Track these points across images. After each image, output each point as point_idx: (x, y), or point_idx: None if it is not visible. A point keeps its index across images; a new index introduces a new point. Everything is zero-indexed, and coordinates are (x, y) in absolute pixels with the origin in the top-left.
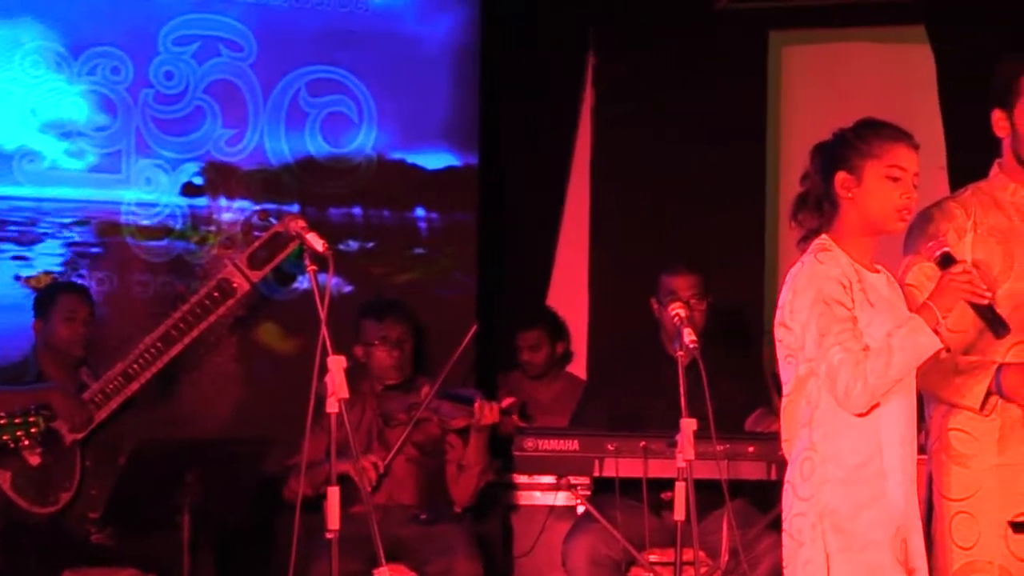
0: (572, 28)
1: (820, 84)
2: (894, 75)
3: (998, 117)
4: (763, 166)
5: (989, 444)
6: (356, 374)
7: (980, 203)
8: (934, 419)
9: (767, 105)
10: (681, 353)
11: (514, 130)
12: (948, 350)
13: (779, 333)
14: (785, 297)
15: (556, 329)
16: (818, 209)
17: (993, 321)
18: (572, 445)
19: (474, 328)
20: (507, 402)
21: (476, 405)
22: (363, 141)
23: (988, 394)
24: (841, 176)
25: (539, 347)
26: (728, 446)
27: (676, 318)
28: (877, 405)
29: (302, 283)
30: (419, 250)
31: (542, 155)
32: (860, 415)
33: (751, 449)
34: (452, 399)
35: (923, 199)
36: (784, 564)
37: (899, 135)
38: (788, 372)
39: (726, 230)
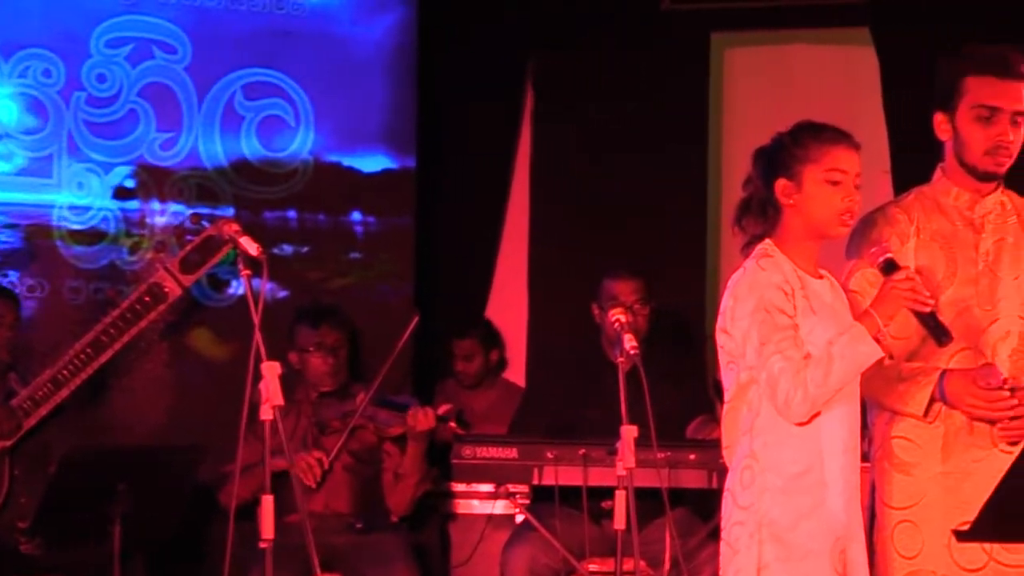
0: (512, 28)
1: (763, 86)
2: (838, 77)
3: (940, 120)
4: (705, 169)
5: (933, 452)
6: (291, 381)
7: (923, 208)
8: (877, 427)
9: (709, 107)
10: (622, 359)
11: (453, 132)
12: (890, 357)
13: (720, 339)
14: (726, 303)
15: (490, 337)
16: (761, 215)
17: (936, 329)
18: (511, 453)
19: (416, 319)
20: (443, 409)
21: (412, 412)
22: (299, 144)
23: (931, 401)
24: (781, 183)
25: (473, 356)
26: (669, 454)
27: (617, 323)
28: (818, 414)
29: (236, 289)
30: (355, 254)
31: (482, 158)
32: (801, 424)
33: (692, 457)
34: (388, 406)
35: (867, 203)
36: (720, 573)
37: (838, 137)
38: (729, 379)
39: (668, 234)
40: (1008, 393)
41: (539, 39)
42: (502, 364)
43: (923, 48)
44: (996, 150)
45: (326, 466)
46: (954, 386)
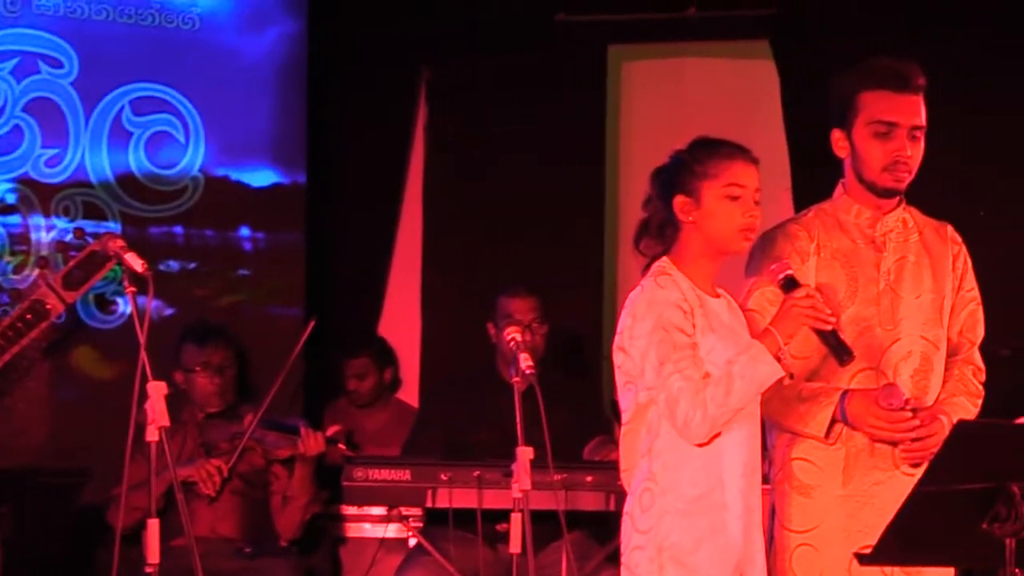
0: (405, 40)
1: (662, 100)
2: (738, 91)
3: (837, 137)
4: (602, 185)
5: (833, 474)
6: (177, 401)
7: (823, 225)
8: (777, 448)
9: (607, 121)
10: (517, 379)
11: (345, 146)
12: (791, 376)
13: (618, 359)
14: (624, 322)
15: (384, 355)
16: (660, 235)
17: (837, 348)
18: (403, 475)
19: (312, 324)
20: (332, 430)
21: (301, 434)
22: (187, 158)
23: (833, 422)
24: (680, 199)
25: (366, 375)
26: (566, 475)
27: (513, 342)
28: (719, 434)
29: (125, 310)
30: (244, 271)
31: (374, 172)
32: (701, 445)
33: (590, 479)
34: (276, 428)
35: (768, 220)
36: None
37: (735, 152)
38: (627, 399)
39: (565, 251)
40: (910, 414)
41: (432, 51)
42: (396, 383)
43: (824, 62)
44: (895, 166)
45: (225, 473)
46: (856, 407)
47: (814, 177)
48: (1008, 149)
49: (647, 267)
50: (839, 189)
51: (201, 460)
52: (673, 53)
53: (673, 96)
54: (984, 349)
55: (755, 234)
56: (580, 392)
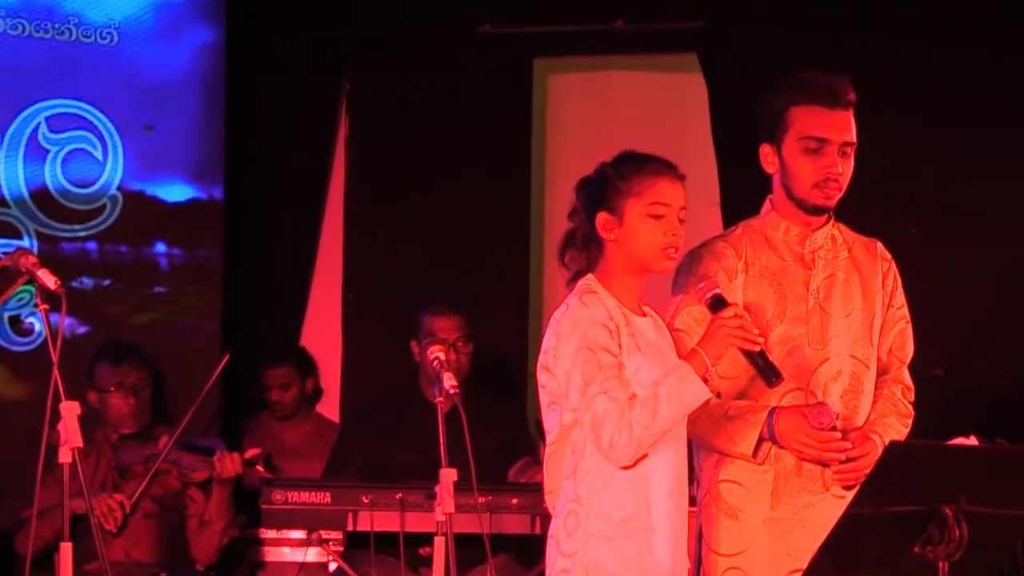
0: (326, 51)
1: (589, 114)
2: (666, 105)
3: (766, 152)
4: (528, 200)
5: (761, 496)
6: (91, 422)
7: (751, 242)
8: (704, 470)
9: (532, 135)
10: (441, 399)
11: (263, 159)
12: (718, 397)
13: (542, 378)
14: (549, 341)
15: (305, 364)
16: (585, 249)
17: (765, 369)
18: (324, 497)
19: (226, 357)
20: (250, 453)
21: (217, 457)
22: (105, 176)
23: (760, 440)
24: (602, 217)
25: (289, 384)
26: (490, 498)
27: (436, 361)
28: (645, 456)
29: (39, 331)
30: (160, 288)
31: (294, 186)
32: (626, 467)
33: (514, 501)
34: (193, 450)
35: (696, 237)
36: None
37: (660, 168)
38: (551, 420)
39: (490, 268)
40: (840, 434)
41: (354, 63)
42: (318, 393)
43: (754, 75)
44: (825, 183)
45: (127, 510)
46: (784, 425)
47: (743, 192)
48: (939, 163)
49: (572, 280)
50: (767, 205)
51: (104, 494)
52: (600, 66)
53: (600, 110)
54: (917, 369)
55: (679, 253)
56: (505, 412)
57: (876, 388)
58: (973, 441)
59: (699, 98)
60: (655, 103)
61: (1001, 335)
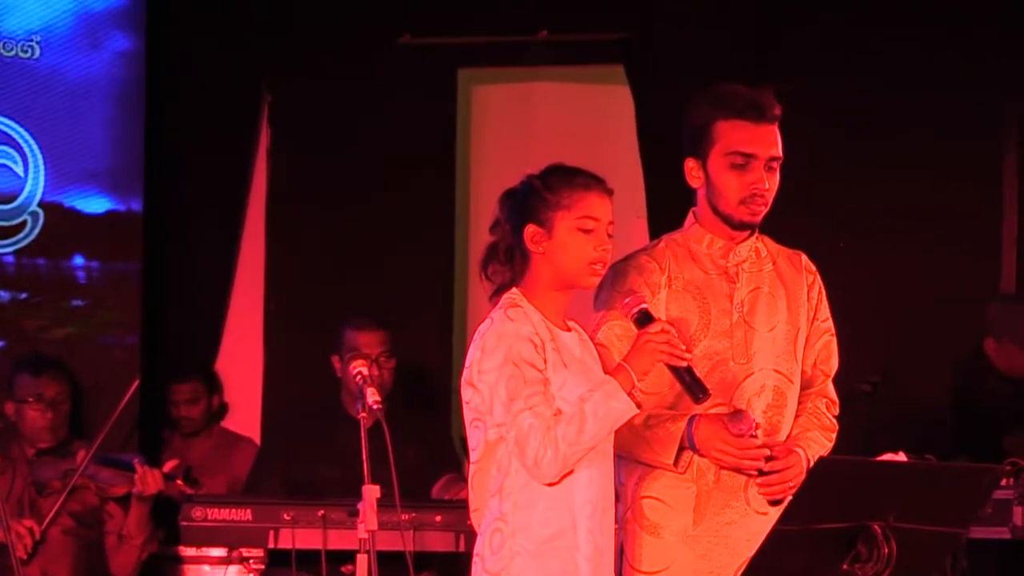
0: (247, 61)
1: (514, 126)
2: (592, 117)
3: (691, 167)
4: (452, 213)
5: (684, 513)
6: (7, 436)
7: (675, 256)
8: (627, 486)
9: (456, 148)
10: (364, 414)
11: (183, 172)
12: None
13: (466, 394)
14: (473, 356)
15: (211, 380)
16: (509, 261)
17: (692, 385)
18: (244, 514)
19: (136, 383)
20: (170, 466)
21: (138, 473)
22: (27, 191)
23: (681, 449)
24: (531, 229)
25: (197, 400)
26: (414, 515)
27: (359, 376)
28: (571, 473)
29: None
30: (78, 302)
31: (215, 198)
32: (551, 484)
33: (438, 519)
34: (111, 464)
35: (622, 250)
36: None
37: (589, 182)
38: (476, 437)
39: (414, 282)
40: (759, 441)
41: (276, 73)
42: (223, 410)
43: (681, 87)
44: (752, 199)
45: (37, 536)
46: (703, 432)
47: (670, 205)
48: (865, 177)
49: (494, 295)
50: (690, 218)
51: (13, 521)
52: (525, 77)
53: (525, 122)
54: (844, 384)
55: (605, 268)
56: (429, 428)
57: (800, 402)
58: (902, 457)
59: (625, 110)
60: (581, 115)
61: (930, 350)
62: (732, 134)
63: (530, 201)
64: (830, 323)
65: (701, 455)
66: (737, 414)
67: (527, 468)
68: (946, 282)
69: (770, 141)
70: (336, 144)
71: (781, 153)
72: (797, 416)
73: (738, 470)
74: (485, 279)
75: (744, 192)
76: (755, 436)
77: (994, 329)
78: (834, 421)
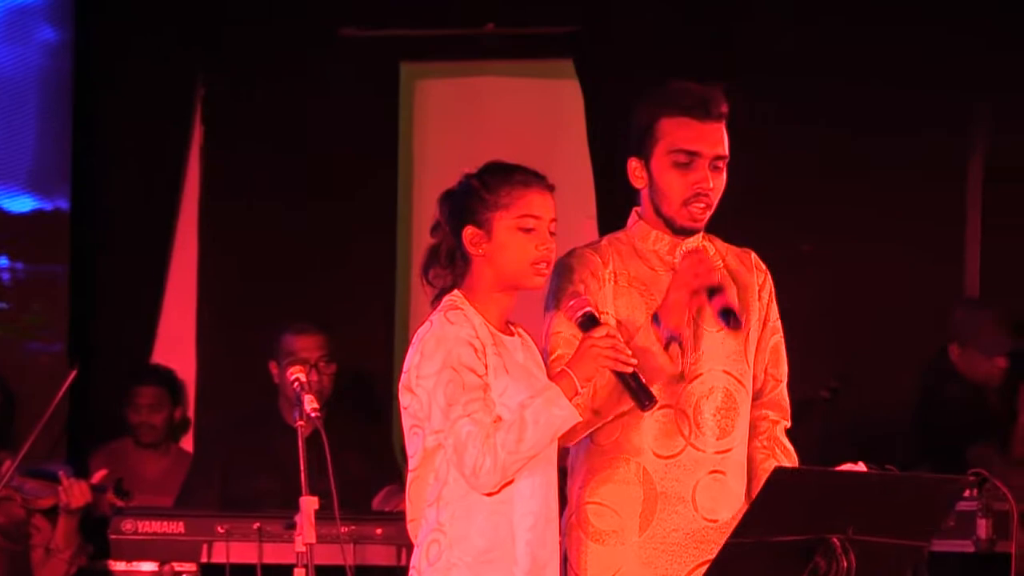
0: (179, 55)
1: (459, 122)
2: (540, 113)
3: (634, 166)
4: (394, 212)
5: (630, 519)
6: None
7: (618, 252)
8: (571, 491)
9: (399, 145)
10: (302, 422)
11: (113, 169)
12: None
13: (404, 400)
14: (412, 360)
15: (175, 390)
16: (450, 264)
17: (638, 391)
18: (177, 527)
19: (73, 374)
20: (98, 476)
21: (64, 485)
22: None
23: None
24: (470, 231)
25: (159, 407)
26: (353, 527)
27: (297, 383)
28: (510, 483)
29: None
30: (2, 305)
31: (145, 197)
32: (490, 494)
33: (379, 531)
34: (37, 476)
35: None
36: None
37: (529, 179)
38: (414, 444)
39: (354, 284)
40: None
41: (210, 66)
42: (185, 425)
43: (633, 82)
44: (695, 199)
45: None
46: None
47: (621, 205)
48: (827, 178)
49: (436, 299)
50: (633, 217)
51: None
52: (471, 71)
53: (471, 118)
54: (802, 390)
55: (549, 268)
56: (370, 437)
57: (755, 413)
58: (861, 467)
59: (575, 106)
60: (529, 111)
61: (891, 355)
62: (676, 131)
63: (468, 201)
64: (779, 324)
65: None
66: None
67: (465, 477)
68: (908, 286)
69: (716, 139)
70: (273, 140)
71: (727, 152)
72: (756, 434)
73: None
74: (427, 283)
75: (687, 192)
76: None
77: (958, 335)
78: (792, 449)
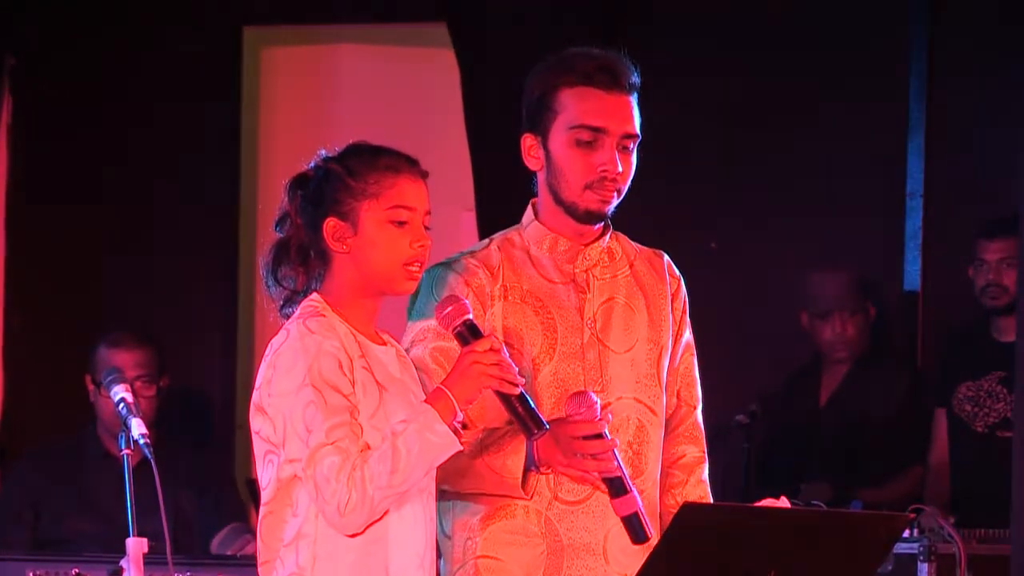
0: None
1: (312, 96)
2: (408, 86)
3: (529, 144)
4: (236, 202)
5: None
6: None
7: (509, 260)
8: (455, 542)
9: (242, 123)
10: (128, 451)
11: None
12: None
13: (256, 423)
14: (264, 375)
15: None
16: (303, 262)
17: (525, 417)
18: None
19: None
20: None
21: None
22: None
23: (527, 471)
24: (331, 223)
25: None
26: (189, 574)
27: (120, 404)
28: (381, 518)
29: None
30: None
31: None
32: (356, 535)
33: None
34: None
35: (444, 251)
36: None
37: (399, 164)
38: (267, 474)
39: (188, 286)
40: (607, 431)
41: (21, 32)
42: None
43: (520, 52)
44: (600, 183)
45: None
46: (545, 440)
47: (504, 195)
48: (736, 165)
49: (285, 304)
50: (529, 213)
51: None
52: (325, 38)
53: (327, 91)
54: (718, 415)
55: (423, 268)
56: (208, 468)
57: (668, 451)
58: (784, 503)
59: (450, 78)
60: (394, 84)
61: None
62: (579, 104)
63: (328, 189)
64: (692, 340)
65: (546, 470)
66: (579, 396)
67: (326, 515)
68: None
69: (624, 115)
70: (94, 118)
71: (638, 130)
72: (670, 485)
73: (594, 477)
74: (274, 285)
75: (591, 175)
76: (602, 420)
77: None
78: (710, 494)
